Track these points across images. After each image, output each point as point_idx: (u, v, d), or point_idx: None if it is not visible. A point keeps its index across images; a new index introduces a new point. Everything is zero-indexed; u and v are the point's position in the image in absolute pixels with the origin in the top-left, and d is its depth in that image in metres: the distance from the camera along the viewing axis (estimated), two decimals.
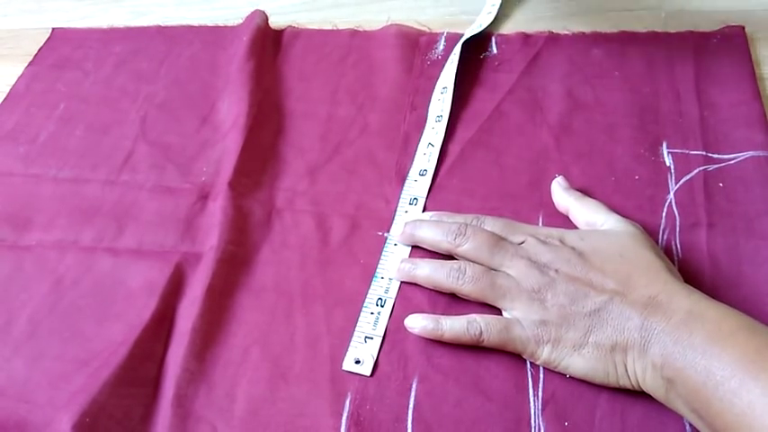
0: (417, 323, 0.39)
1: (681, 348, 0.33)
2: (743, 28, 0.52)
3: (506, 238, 0.40)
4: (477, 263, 0.40)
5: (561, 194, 0.43)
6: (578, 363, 0.36)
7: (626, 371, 0.35)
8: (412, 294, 0.41)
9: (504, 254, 0.39)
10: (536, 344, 0.37)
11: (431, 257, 0.42)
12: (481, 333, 0.37)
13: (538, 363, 0.37)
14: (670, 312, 0.34)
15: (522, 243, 0.40)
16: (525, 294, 0.37)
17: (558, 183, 0.44)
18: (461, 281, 0.39)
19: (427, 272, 0.41)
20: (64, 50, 0.60)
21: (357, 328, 0.40)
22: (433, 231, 0.42)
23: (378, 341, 0.40)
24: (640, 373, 0.35)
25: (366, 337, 0.40)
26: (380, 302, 0.41)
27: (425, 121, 0.50)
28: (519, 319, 0.37)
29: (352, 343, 0.40)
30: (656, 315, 0.34)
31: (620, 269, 0.37)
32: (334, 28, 0.58)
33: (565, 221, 0.43)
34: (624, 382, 0.35)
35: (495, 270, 0.39)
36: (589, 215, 0.42)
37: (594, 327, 0.36)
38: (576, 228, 0.42)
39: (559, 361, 0.36)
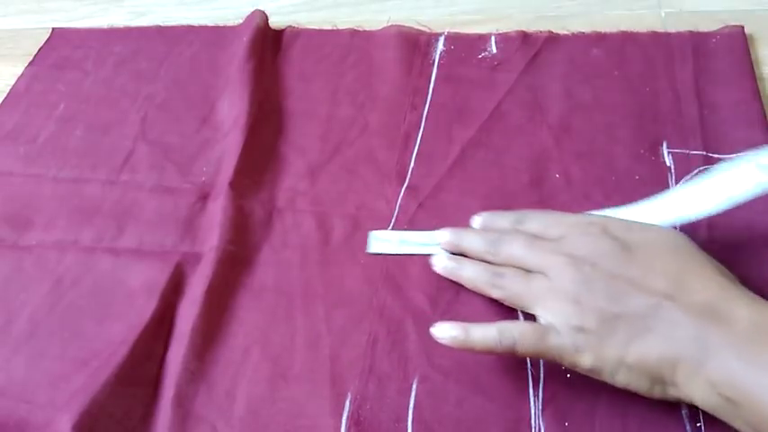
0: (446, 333, 0.36)
1: (745, 365, 0.29)
2: (742, 28, 0.52)
3: (544, 236, 0.38)
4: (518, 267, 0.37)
5: None
6: (621, 376, 0.33)
7: (675, 384, 0.31)
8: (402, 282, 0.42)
9: (543, 254, 0.36)
10: (575, 352, 0.33)
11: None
12: (515, 344, 0.34)
13: (583, 372, 0.34)
14: (731, 323, 0.30)
15: (563, 237, 0.37)
16: (561, 296, 0.34)
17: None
18: (496, 289, 0.37)
19: (470, 274, 0.39)
20: (64, 50, 0.60)
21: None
22: (476, 242, 0.40)
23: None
24: (690, 390, 0.31)
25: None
26: None
27: (425, 122, 0.50)
28: (554, 325, 0.34)
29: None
30: (714, 325, 0.30)
31: (670, 268, 0.32)
32: (334, 28, 0.58)
33: None
34: (672, 396, 0.32)
35: (533, 272, 0.37)
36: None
37: (639, 334, 0.32)
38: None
39: (602, 373, 0.33)
